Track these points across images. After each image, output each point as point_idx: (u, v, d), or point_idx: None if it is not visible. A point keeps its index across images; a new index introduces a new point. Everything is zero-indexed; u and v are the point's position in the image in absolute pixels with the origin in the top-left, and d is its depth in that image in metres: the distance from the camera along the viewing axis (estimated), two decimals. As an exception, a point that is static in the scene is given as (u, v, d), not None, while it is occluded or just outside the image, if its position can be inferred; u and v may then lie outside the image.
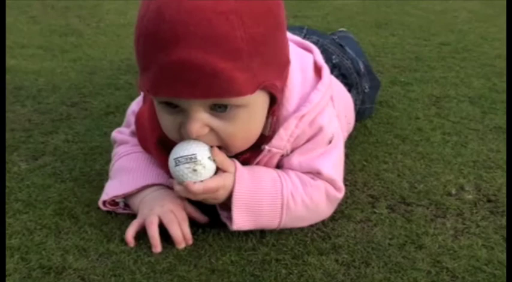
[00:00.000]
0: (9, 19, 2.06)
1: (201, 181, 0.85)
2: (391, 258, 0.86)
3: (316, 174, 0.92)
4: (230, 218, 0.89)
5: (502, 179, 1.08)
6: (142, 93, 1.04)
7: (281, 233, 0.91)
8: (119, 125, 1.13)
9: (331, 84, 0.93)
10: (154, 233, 0.88)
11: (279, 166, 0.94)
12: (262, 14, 0.78)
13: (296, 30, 1.22)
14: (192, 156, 0.83)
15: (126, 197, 0.96)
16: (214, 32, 0.74)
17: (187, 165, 0.84)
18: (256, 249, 0.88)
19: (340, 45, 1.30)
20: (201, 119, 0.81)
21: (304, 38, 1.16)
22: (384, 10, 2.40)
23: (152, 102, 0.89)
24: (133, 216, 0.93)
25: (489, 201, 1.02)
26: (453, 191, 1.04)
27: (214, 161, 0.85)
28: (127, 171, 0.98)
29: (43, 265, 0.84)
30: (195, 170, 0.84)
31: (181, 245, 0.88)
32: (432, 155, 1.17)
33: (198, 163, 0.83)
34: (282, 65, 0.86)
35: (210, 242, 0.90)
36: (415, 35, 2.04)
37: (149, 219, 0.89)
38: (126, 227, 0.91)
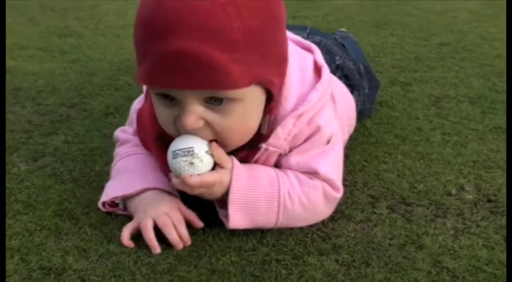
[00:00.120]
0: (8, 20, 2.06)
1: (198, 175, 0.85)
2: (391, 259, 0.86)
3: (314, 174, 0.92)
4: (227, 215, 0.89)
5: (502, 179, 1.08)
6: (144, 92, 1.04)
7: (281, 234, 0.91)
8: (118, 125, 1.13)
9: (331, 83, 0.93)
10: (150, 236, 0.88)
11: (277, 166, 0.94)
12: (260, 6, 0.79)
13: (299, 29, 1.22)
14: (190, 149, 0.83)
15: (125, 199, 0.96)
16: (211, 22, 0.75)
17: (184, 158, 0.84)
18: (256, 250, 0.88)
19: (343, 45, 1.30)
20: (196, 111, 0.81)
21: (307, 37, 1.16)
22: (384, 10, 2.40)
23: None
24: (132, 217, 0.93)
25: (489, 201, 1.02)
26: (453, 191, 1.04)
27: (212, 155, 0.85)
28: (127, 173, 0.98)
29: (43, 266, 0.84)
30: (192, 163, 0.84)
31: (178, 246, 0.88)
32: (432, 155, 1.17)
33: (196, 156, 0.84)
34: (279, 61, 0.86)
35: (210, 242, 0.90)
36: (415, 35, 2.04)
37: (143, 223, 0.89)
38: (127, 227, 0.91)
